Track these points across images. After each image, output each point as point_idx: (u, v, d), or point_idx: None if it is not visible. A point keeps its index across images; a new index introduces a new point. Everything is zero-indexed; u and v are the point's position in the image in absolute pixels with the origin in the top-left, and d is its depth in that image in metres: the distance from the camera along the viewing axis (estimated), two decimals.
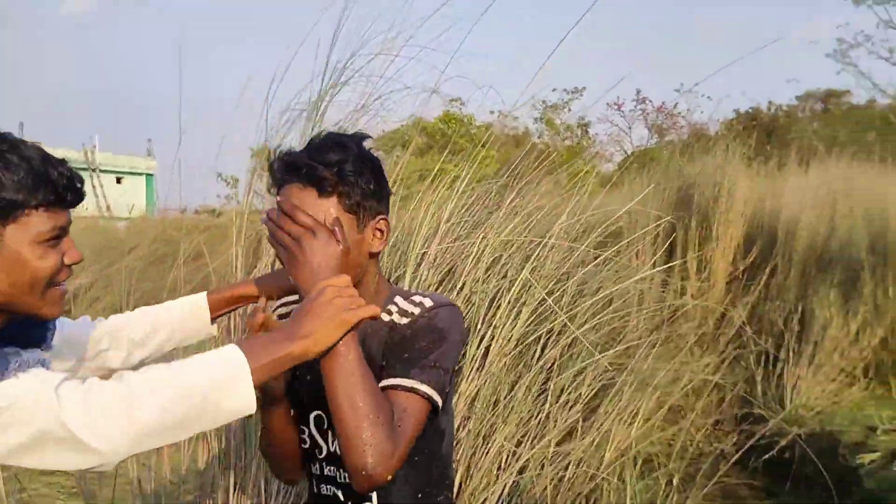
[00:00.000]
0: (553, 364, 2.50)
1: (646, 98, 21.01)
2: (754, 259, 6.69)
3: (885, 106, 15.49)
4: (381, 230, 1.28)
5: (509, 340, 2.24)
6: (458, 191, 2.37)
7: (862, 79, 18.24)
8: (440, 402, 1.22)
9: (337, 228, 1.19)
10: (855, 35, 17.59)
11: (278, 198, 1.21)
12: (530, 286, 2.30)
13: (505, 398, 2.32)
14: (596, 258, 2.93)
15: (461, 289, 2.21)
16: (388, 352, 1.26)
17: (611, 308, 2.81)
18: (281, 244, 1.20)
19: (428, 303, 1.29)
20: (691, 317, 6.58)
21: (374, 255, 1.29)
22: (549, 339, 2.47)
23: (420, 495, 1.32)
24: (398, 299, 1.31)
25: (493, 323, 2.23)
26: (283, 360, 1.08)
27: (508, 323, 2.23)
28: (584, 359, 2.58)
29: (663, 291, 6.76)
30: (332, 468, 1.32)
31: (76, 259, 1.16)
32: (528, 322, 2.33)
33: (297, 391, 1.33)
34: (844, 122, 15.52)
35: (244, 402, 1.06)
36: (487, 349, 2.22)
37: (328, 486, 1.33)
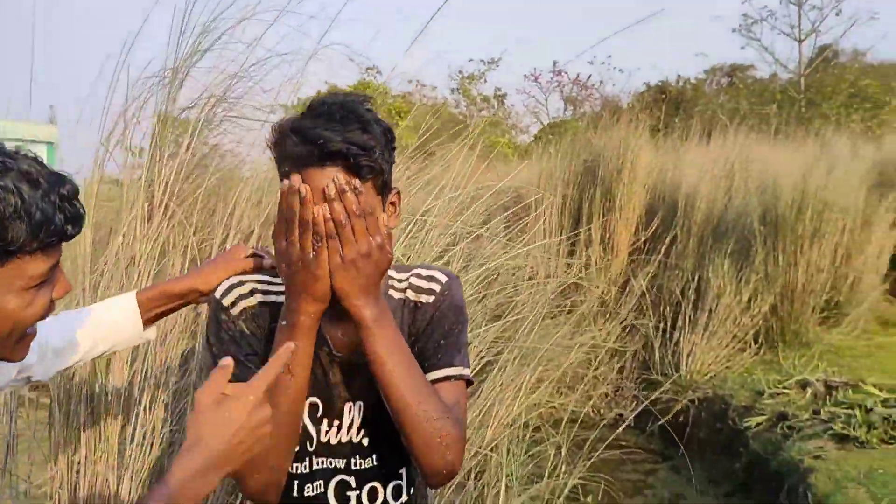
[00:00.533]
0: None
1: (562, 70, 21.26)
2: (655, 229, 6.86)
3: (785, 80, 16.11)
4: (394, 204, 1.19)
5: None
6: None
7: (765, 53, 18.92)
8: None
9: (379, 219, 1.08)
10: (759, 10, 18.21)
11: (301, 183, 1.04)
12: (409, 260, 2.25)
13: None
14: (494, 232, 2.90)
15: None
16: (420, 335, 1.23)
17: (497, 281, 2.79)
18: (317, 233, 1.05)
19: (442, 278, 1.26)
20: (595, 286, 6.72)
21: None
22: None
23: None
24: (401, 275, 1.26)
25: None
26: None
27: None
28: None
29: (568, 262, 6.89)
30: (322, 459, 1.24)
31: (66, 291, 1.01)
32: None
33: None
34: (748, 95, 16.07)
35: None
36: None
37: (316, 484, 1.24)
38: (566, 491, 3.12)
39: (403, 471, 1.28)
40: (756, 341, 5.85)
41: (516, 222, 3.71)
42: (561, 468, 3.18)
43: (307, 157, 1.05)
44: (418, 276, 1.26)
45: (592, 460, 3.37)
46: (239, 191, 2.13)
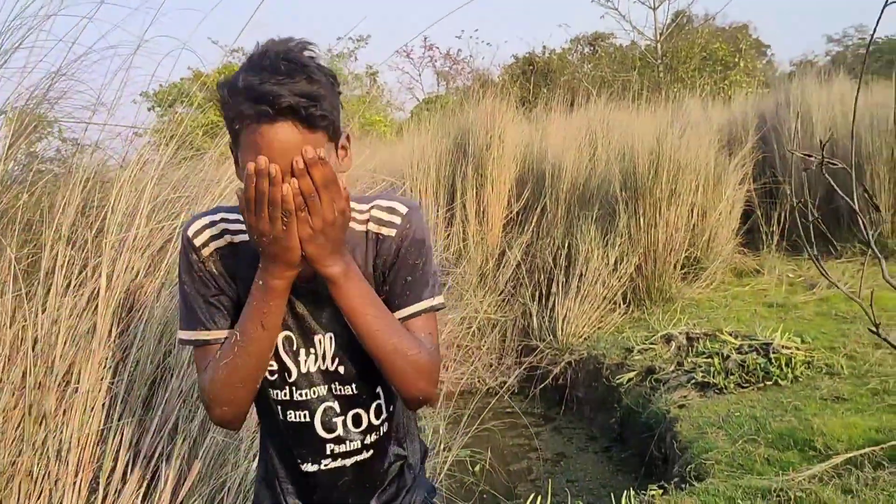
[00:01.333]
0: None
1: (433, 45, 21.26)
2: (527, 200, 7.04)
3: (644, 47, 16.78)
4: (345, 147, 1.24)
5: None
6: (159, 163, 2.19)
7: (623, 21, 19.63)
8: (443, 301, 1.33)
9: (339, 182, 1.12)
10: None
11: (268, 164, 1.06)
12: None
13: None
14: None
15: (168, 272, 2.07)
16: (388, 270, 1.27)
17: None
18: (286, 209, 1.08)
19: (402, 209, 1.27)
20: (473, 260, 6.85)
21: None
22: None
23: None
24: (362, 206, 1.28)
25: None
26: None
27: None
28: None
29: (446, 238, 6.97)
30: (305, 391, 1.30)
31: None
32: None
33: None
34: (610, 63, 16.65)
35: None
36: None
37: (301, 413, 1.31)
38: (446, 468, 3.17)
39: (380, 389, 1.35)
40: (625, 301, 6.13)
41: None
42: (440, 445, 3.23)
43: (258, 115, 1.07)
44: (379, 207, 1.28)
45: (470, 433, 3.44)
46: (66, 198, 2.02)
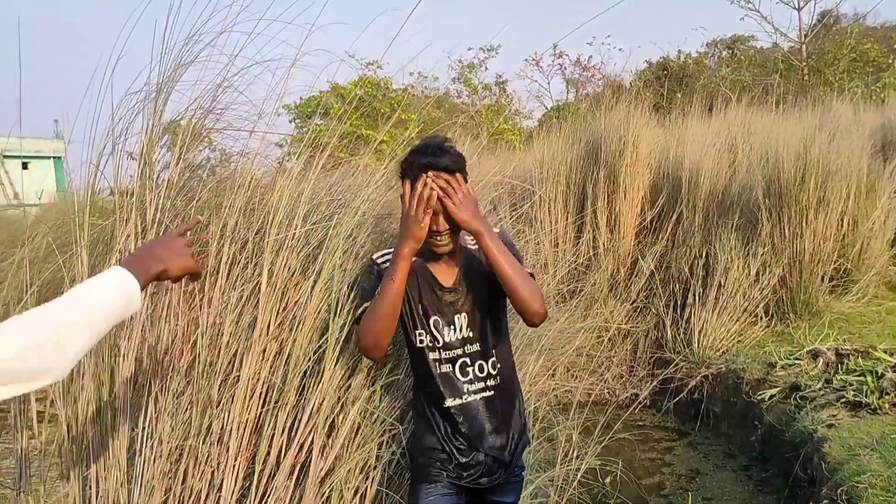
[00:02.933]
0: None
1: (563, 52, 21.14)
2: (661, 208, 6.85)
3: (787, 49, 15.93)
4: (466, 176, 2.13)
5: None
6: (314, 167, 2.31)
7: (764, 23, 18.70)
8: None
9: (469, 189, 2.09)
10: None
11: (429, 176, 2.02)
12: None
13: (383, 380, 2.32)
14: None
15: (320, 271, 2.18)
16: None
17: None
18: (427, 209, 1.98)
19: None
20: (604, 269, 6.73)
21: None
22: None
23: (510, 358, 2.27)
24: (469, 238, 2.15)
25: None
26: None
27: None
28: None
29: (575, 246, 6.90)
30: (449, 352, 2.14)
31: None
32: None
33: (420, 304, 2.12)
34: (750, 66, 15.91)
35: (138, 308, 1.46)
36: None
37: (446, 364, 2.14)
38: (579, 476, 3.14)
39: (494, 351, 2.18)
40: (767, 314, 5.83)
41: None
42: (573, 453, 3.21)
43: (426, 169, 2.01)
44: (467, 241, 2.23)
45: (604, 443, 3.39)
46: (230, 201, 2.18)
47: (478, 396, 2.15)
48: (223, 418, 2.06)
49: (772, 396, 4.69)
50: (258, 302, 2.15)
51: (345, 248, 2.24)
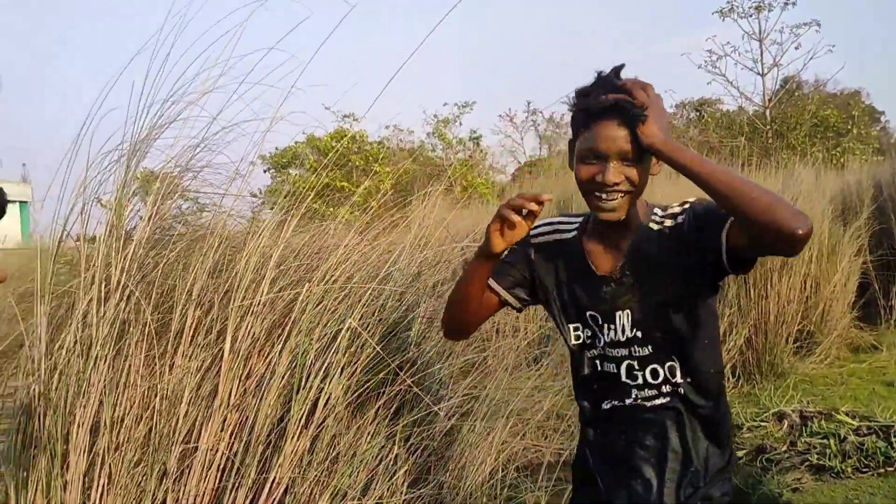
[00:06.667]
0: (398, 405, 2.45)
1: (536, 109, 21.58)
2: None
3: (752, 112, 16.40)
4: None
5: (346, 391, 2.19)
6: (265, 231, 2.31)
7: (731, 87, 19.30)
8: None
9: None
10: (722, 47, 18.56)
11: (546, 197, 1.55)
12: (368, 326, 2.27)
13: (345, 450, 2.27)
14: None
15: (286, 339, 2.15)
16: (692, 231, 1.60)
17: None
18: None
19: (678, 207, 1.68)
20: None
21: None
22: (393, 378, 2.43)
23: (713, 370, 1.72)
24: (657, 211, 1.68)
25: (328, 371, 2.17)
26: None
27: (340, 372, 2.17)
28: (434, 393, 2.57)
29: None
30: (615, 350, 1.69)
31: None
32: (367, 368, 2.29)
33: (573, 296, 1.72)
34: (717, 128, 16.33)
35: None
36: (315, 403, 2.16)
37: (609, 364, 1.71)
38: None
39: (675, 355, 1.67)
40: (734, 374, 5.88)
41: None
42: None
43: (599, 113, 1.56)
44: (667, 210, 1.68)
45: None
46: (197, 266, 2.16)
47: (647, 403, 1.71)
48: (179, 490, 2.00)
49: (739, 458, 4.69)
50: (220, 369, 2.11)
51: (311, 318, 2.21)
